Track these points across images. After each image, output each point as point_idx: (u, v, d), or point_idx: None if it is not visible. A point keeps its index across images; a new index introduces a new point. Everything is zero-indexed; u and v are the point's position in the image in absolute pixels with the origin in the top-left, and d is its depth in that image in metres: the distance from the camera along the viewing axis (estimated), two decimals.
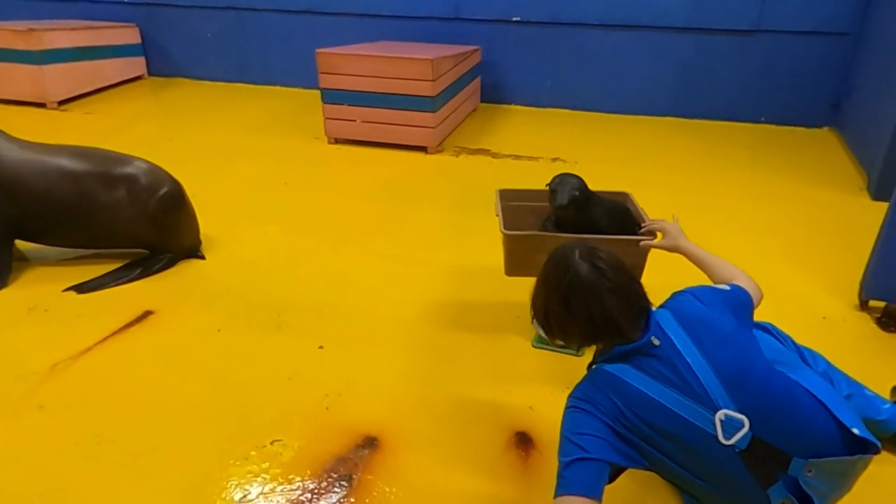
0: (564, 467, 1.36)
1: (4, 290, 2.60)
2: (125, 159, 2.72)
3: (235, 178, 3.80)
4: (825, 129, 4.75)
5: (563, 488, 1.34)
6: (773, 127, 4.78)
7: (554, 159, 4.05)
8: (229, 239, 3.01)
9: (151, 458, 1.81)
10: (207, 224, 2.95)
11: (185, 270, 2.78)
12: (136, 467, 1.78)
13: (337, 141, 4.36)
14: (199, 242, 2.89)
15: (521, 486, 1.72)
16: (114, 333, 2.34)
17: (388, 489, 1.72)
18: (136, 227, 2.68)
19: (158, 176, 2.72)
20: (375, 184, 3.73)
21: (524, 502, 1.68)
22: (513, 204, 2.44)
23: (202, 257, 2.85)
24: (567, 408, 1.46)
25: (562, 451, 1.40)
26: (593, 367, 1.51)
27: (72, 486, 1.73)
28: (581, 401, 1.44)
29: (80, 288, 2.60)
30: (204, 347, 2.29)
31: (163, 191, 2.69)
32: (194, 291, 2.64)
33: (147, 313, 2.46)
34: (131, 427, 1.92)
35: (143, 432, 1.90)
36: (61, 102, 5.05)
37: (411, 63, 4.02)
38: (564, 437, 1.41)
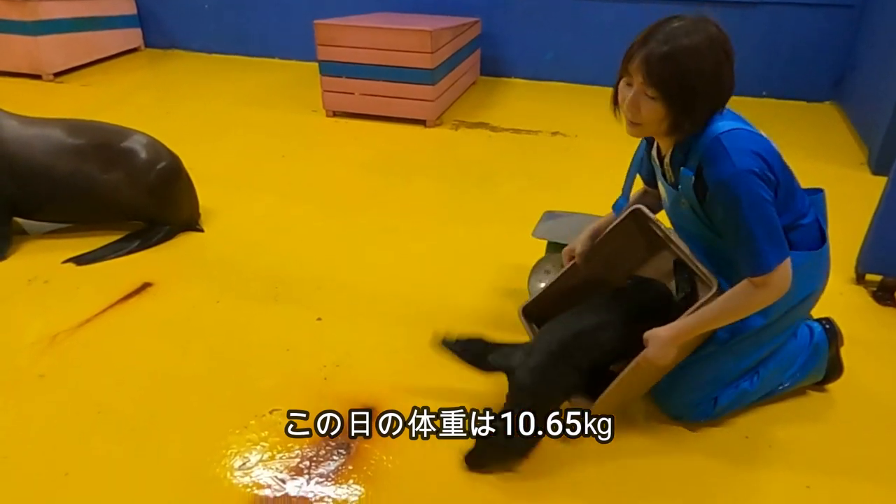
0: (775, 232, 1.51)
1: (4, 262, 2.60)
2: (123, 133, 2.71)
3: (233, 151, 3.78)
4: (827, 103, 4.71)
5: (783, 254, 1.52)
6: (774, 101, 4.74)
7: (554, 133, 4.03)
8: (227, 211, 3.01)
9: (151, 427, 1.84)
10: (206, 196, 2.94)
11: (184, 243, 2.78)
12: (137, 436, 1.81)
13: (335, 114, 4.33)
14: (198, 215, 2.89)
15: None
16: (113, 305, 2.35)
17: (384, 457, 1.75)
18: (135, 200, 2.67)
19: (157, 150, 2.72)
20: (374, 157, 3.72)
21: (520, 472, 1.70)
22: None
23: (201, 230, 2.85)
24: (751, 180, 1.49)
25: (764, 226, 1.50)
26: (723, 133, 1.52)
27: (73, 454, 1.75)
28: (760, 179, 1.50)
29: (79, 260, 2.61)
30: (203, 319, 2.30)
31: (161, 164, 2.68)
32: (193, 263, 2.65)
33: (146, 285, 2.47)
34: (131, 396, 1.95)
35: (142, 401, 1.93)
36: (57, 74, 5.00)
37: (410, 34, 3.98)
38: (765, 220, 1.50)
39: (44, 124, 2.66)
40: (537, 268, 2.27)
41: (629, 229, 1.89)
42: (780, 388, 1.90)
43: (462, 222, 2.98)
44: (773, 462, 1.75)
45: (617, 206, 1.89)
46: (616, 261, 1.97)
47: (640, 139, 1.82)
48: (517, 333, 2.20)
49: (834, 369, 1.95)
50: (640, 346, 1.65)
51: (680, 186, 1.65)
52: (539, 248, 2.32)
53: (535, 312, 1.98)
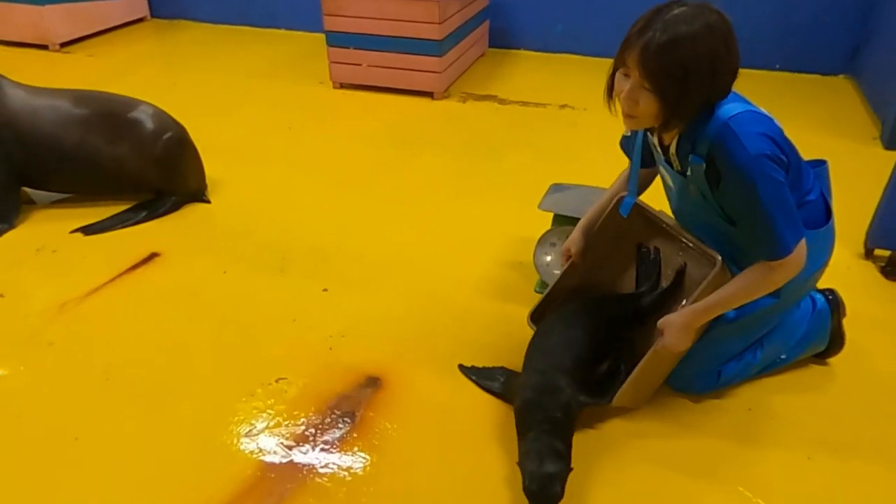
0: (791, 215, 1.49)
1: (13, 231, 2.62)
2: (130, 103, 2.71)
3: (240, 123, 3.76)
4: (841, 76, 4.63)
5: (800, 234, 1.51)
6: (787, 74, 4.66)
7: (562, 106, 3.98)
8: (234, 183, 3.01)
9: (159, 394, 1.86)
10: (212, 168, 2.94)
11: (191, 213, 2.79)
12: (144, 402, 1.83)
13: (342, 86, 4.30)
14: (205, 186, 2.89)
15: None
16: (121, 274, 2.37)
17: (389, 426, 1.77)
18: (142, 170, 2.68)
19: (163, 120, 2.72)
20: (380, 129, 3.70)
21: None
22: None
23: (207, 201, 2.86)
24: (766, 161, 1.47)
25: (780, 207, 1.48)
26: (730, 118, 1.48)
27: (82, 418, 1.78)
28: (772, 161, 1.47)
29: (87, 229, 2.62)
30: (210, 289, 2.32)
31: (168, 135, 2.68)
32: (200, 234, 2.66)
33: (153, 255, 2.48)
34: (139, 364, 1.97)
35: (150, 369, 1.95)
36: (63, 44, 4.97)
37: (417, 5, 3.92)
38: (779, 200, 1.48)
39: (51, 94, 2.66)
40: (543, 240, 2.27)
41: (620, 218, 1.88)
42: (784, 359, 1.91)
43: (468, 195, 2.97)
44: (775, 433, 1.76)
45: (625, 206, 1.86)
46: (615, 249, 1.97)
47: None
48: (521, 305, 2.21)
49: (836, 341, 1.95)
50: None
51: (689, 174, 1.62)
52: (545, 221, 2.31)
53: (542, 316, 1.96)
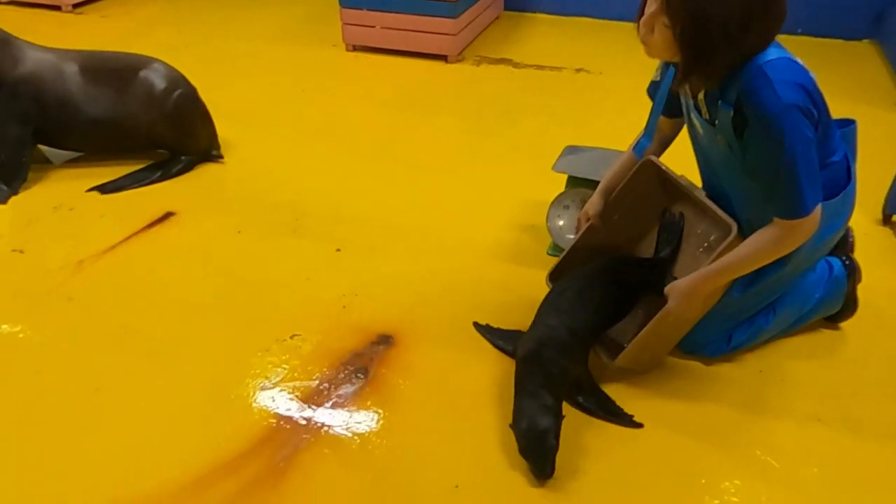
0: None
1: (30, 189, 2.65)
2: (142, 60, 2.74)
3: (253, 85, 3.75)
4: (865, 41, 4.52)
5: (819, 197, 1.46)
6: (810, 39, 4.55)
7: (578, 70, 3.92)
8: (248, 145, 3.01)
9: (176, 348, 1.90)
10: (226, 130, 2.94)
11: (205, 174, 2.80)
12: (161, 356, 1.87)
13: (355, 48, 4.25)
14: (217, 145, 2.90)
15: None
16: (137, 233, 2.40)
17: (401, 382, 1.79)
18: (154, 127, 2.69)
19: (174, 77, 2.73)
20: (393, 92, 3.67)
21: None
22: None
23: (220, 157, 2.86)
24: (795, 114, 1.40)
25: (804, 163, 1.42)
26: (766, 63, 1.41)
27: (101, 370, 1.82)
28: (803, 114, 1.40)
29: (103, 188, 2.64)
30: (224, 248, 2.34)
31: (178, 91, 2.70)
32: (214, 195, 2.67)
33: (168, 214, 2.51)
34: (156, 319, 2.00)
35: (167, 324, 1.99)
36: (76, 5, 4.94)
37: None
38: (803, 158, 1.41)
39: (65, 53, 2.68)
40: (556, 203, 2.26)
41: (642, 181, 1.86)
42: (797, 323, 1.89)
43: (482, 159, 2.95)
44: (785, 396, 1.76)
45: (639, 148, 1.82)
46: (635, 213, 1.94)
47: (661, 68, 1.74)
48: (533, 268, 2.22)
49: (849, 305, 1.92)
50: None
51: (717, 122, 1.55)
52: (559, 185, 2.30)
53: (560, 277, 1.96)
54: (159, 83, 2.67)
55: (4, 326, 1.97)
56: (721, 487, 1.52)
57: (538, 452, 1.49)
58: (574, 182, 2.24)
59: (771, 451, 1.60)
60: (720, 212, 1.68)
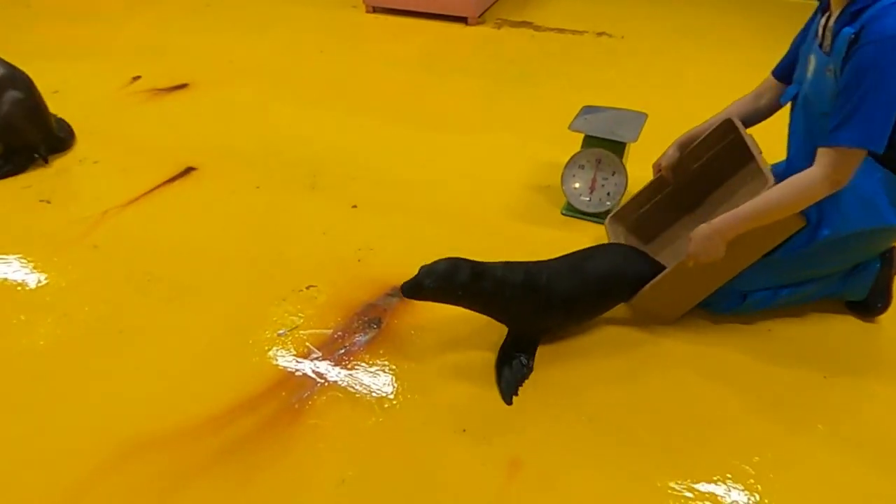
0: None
1: None
2: None
3: (272, 45, 3.76)
4: None
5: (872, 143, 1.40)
6: None
7: (599, 34, 3.88)
8: (266, 103, 3.04)
9: (196, 295, 1.96)
10: (245, 88, 2.97)
11: (224, 131, 2.84)
12: (183, 301, 1.93)
13: (375, 9, 4.24)
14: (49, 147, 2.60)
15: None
16: (159, 186, 2.45)
17: (413, 332, 1.84)
18: None
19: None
20: (412, 54, 3.66)
21: (539, 353, 1.77)
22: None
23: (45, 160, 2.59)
24: None
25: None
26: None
27: (125, 314, 1.89)
28: None
29: None
30: (244, 202, 2.39)
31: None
32: (233, 151, 2.71)
33: (189, 169, 2.56)
34: (178, 268, 2.07)
35: (188, 272, 2.05)
36: None
37: None
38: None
39: None
40: (571, 163, 2.27)
41: (720, 139, 1.84)
42: (817, 296, 1.85)
43: (499, 121, 2.95)
44: (791, 355, 1.77)
45: (787, 94, 1.75)
46: (705, 174, 1.93)
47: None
48: (546, 227, 2.24)
49: (881, 295, 1.85)
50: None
51: (833, 50, 1.48)
52: (575, 147, 2.30)
53: (618, 222, 2.03)
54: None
55: (33, 271, 2.05)
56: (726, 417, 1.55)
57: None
58: (590, 142, 2.24)
59: (773, 404, 1.63)
60: (766, 168, 1.64)
